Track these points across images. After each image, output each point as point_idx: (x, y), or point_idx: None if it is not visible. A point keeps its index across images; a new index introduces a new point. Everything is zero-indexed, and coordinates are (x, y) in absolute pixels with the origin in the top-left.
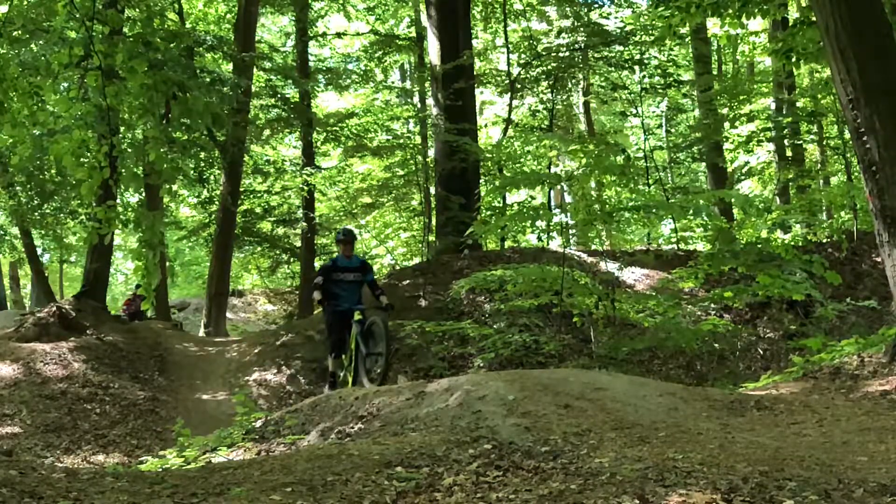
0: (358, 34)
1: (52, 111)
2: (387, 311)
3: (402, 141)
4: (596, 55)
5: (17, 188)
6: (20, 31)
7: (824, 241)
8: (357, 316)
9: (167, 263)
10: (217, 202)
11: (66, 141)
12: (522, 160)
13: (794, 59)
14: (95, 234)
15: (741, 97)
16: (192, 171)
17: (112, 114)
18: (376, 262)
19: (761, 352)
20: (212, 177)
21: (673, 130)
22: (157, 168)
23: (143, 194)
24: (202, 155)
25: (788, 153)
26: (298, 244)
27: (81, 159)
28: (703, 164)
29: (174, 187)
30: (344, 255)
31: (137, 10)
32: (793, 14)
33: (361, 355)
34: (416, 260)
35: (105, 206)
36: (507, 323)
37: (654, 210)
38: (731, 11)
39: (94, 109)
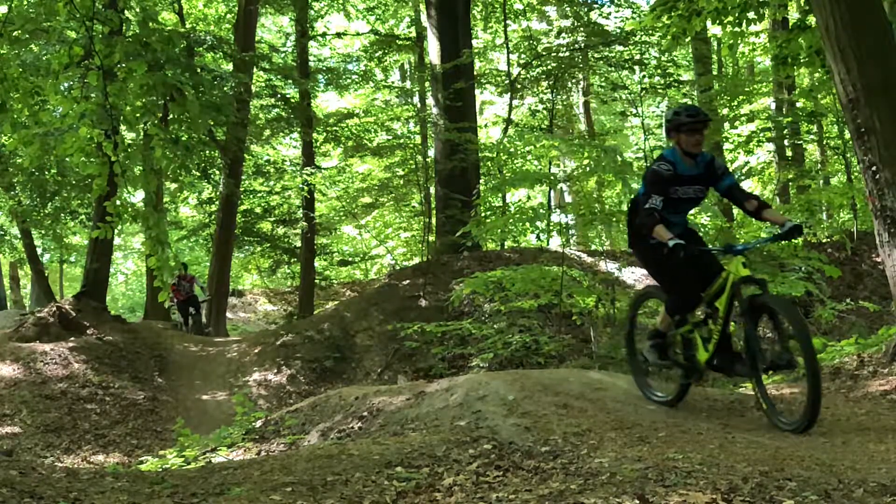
0: (358, 34)
1: (55, 111)
2: (796, 232)
3: (402, 141)
4: (596, 55)
5: (18, 188)
6: (20, 32)
7: (824, 241)
8: (740, 269)
9: None
10: (217, 202)
11: (72, 139)
12: (522, 160)
13: (789, 62)
14: (107, 228)
15: (741, 97)
16: (195, 170)
17: (114, 112)
18: (376, 262)
19: None
20: (213, 176)
21: None
22: (157, 167)
23: (152, 192)
24: (206, 153)
25: (788, 153)
26: (298, 244)
27: (91, 157)
28: None
29: (177, 186)
30: (686, 152)
31: (135, 10)
32: (793, 14)
33: (753, 350)
34: (416, 260)
35: (114, 200)
36: (506, 323)
37: None
38: (730, 19)
39: (95, 107)
